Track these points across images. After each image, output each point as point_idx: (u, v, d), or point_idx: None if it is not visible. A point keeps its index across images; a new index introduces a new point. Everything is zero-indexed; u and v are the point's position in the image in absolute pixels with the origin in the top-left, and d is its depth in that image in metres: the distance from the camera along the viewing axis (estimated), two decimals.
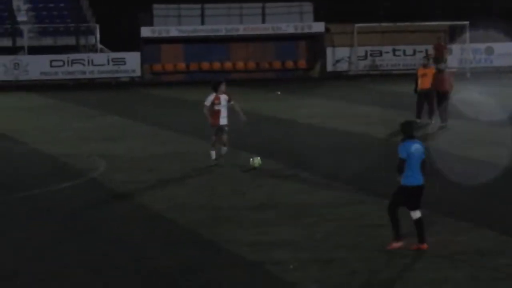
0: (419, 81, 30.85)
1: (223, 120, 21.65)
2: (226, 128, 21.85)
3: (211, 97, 21.87)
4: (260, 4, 51.33)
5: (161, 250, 15.34)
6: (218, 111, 21.75)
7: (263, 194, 18.85)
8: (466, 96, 35.08)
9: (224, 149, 21.95)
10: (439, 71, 30.51)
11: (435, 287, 12.41)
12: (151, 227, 17.13)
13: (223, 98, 21.89)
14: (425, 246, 13.85)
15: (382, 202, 16.52)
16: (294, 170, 21.69)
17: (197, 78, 49.05)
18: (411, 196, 13.96)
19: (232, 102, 22.18)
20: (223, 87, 22.07)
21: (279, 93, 42.36)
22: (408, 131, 14.10)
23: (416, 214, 13.96)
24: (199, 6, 50.49)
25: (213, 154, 21.68)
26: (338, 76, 51.13)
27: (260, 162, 21.02)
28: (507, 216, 16.35)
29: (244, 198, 19.19)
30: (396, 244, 13.88)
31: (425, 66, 31.94)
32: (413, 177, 14.01)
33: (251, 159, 21.13)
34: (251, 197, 19.02)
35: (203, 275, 13.67)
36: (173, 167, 23.43)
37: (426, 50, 47.38)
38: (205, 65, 50.40)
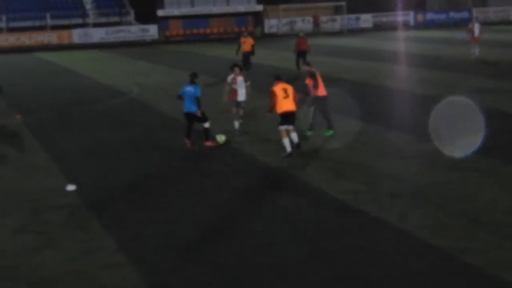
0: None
1: (241, 97, 19.02)
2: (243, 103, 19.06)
3: (230, 77, 19.11)
4: None
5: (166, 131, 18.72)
6: (235, 90, 19.03)
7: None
8: (346, 44, 45.45)
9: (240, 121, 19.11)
10: (299, 37, 32.57)
11: None
12: (159, 118, 20.98)
13: (239, 79, 19.01)
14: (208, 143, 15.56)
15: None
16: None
17: (190, 39, 60.78)
18: (187, 116, 16.08)
19: (248, 83, 19.15)
20: (237, 70, 19.00)
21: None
22: (191, 78, 16.22)
23: (205, 125, 16.17)
24: None
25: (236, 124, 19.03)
26: (271, 36, 61.38)
27: (223, 139, 17.38)
28: None
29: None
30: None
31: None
32: (186, 106, 16.24)
33: (217, 136, 17.42)
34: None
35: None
36: (175, 90, 21.57)
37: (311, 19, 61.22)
38: (194, 31, 62.14)
